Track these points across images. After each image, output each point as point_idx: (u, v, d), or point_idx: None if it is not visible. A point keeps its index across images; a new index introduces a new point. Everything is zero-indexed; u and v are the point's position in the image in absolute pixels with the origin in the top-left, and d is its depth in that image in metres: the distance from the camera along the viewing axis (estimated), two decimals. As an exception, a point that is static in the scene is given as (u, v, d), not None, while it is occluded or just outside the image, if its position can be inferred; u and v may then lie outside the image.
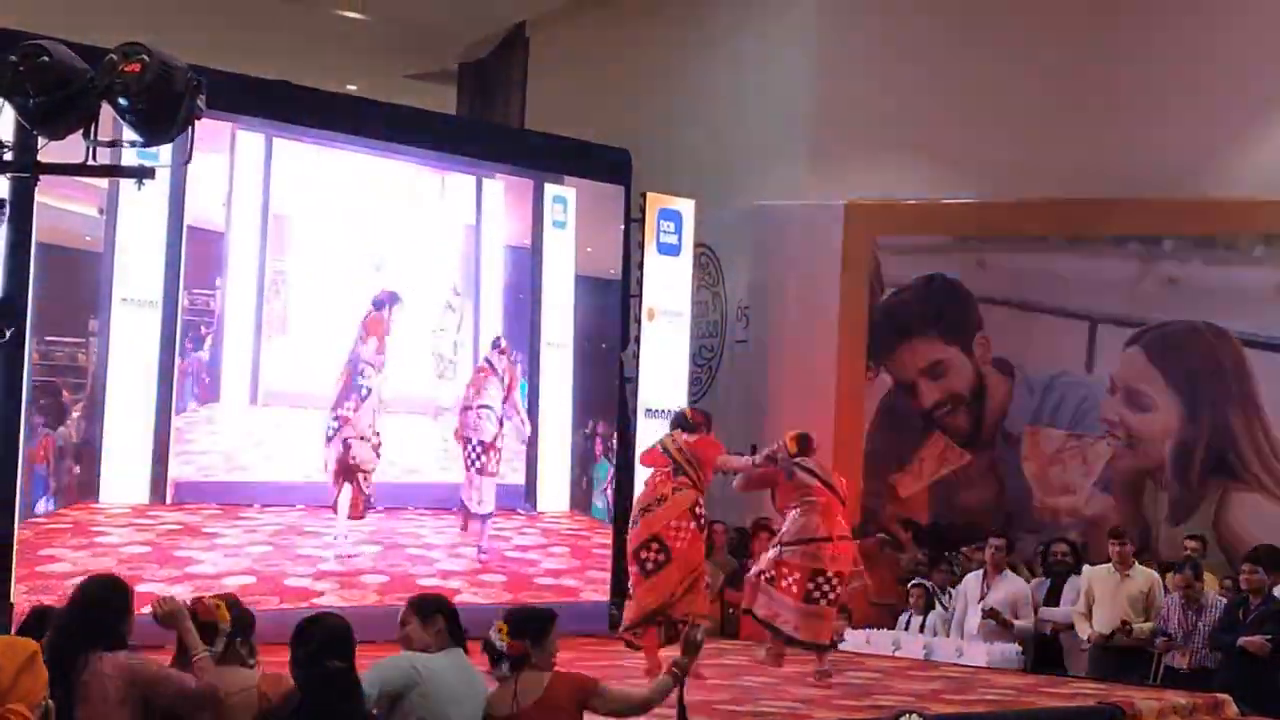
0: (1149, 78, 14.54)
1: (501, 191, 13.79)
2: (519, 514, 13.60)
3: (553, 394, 13.92)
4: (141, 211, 11.37)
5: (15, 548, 10.53)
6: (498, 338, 13.52)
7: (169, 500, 11.61)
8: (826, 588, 10.63)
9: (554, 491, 13.89)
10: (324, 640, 5.58)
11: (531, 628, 6.05)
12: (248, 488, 12.15)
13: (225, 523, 11.87)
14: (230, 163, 12.12)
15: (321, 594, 12.03)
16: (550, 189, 13.97)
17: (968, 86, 15.01)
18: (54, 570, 10.64)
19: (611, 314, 14.30)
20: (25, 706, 5.18)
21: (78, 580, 10.12)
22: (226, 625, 5.81)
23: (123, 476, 11.37)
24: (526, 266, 13.88)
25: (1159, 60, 14.52)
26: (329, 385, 12.46)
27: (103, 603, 5.73)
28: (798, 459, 10.87)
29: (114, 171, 6.29)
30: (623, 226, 14.27)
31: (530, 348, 13.80)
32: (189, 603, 5.91)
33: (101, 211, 11.26)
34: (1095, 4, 14.90)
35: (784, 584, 10.65)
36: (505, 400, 13.36)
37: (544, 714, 5.90)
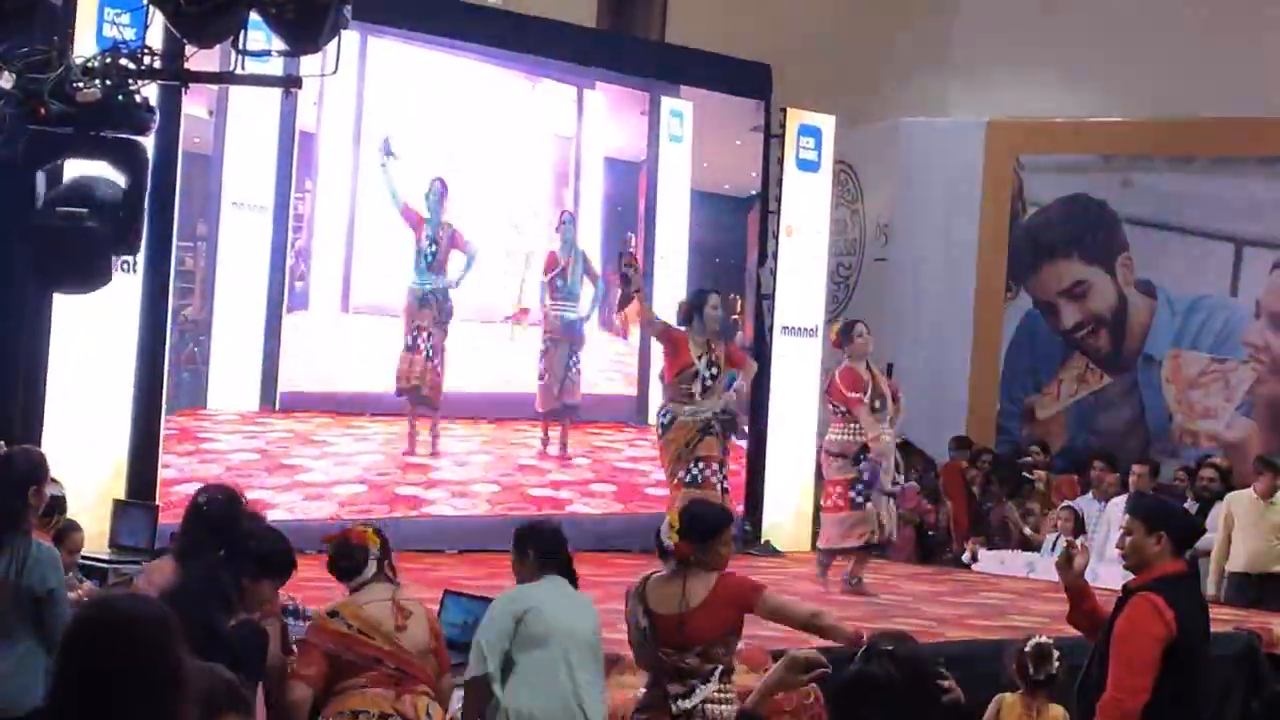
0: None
1: (604, 103, 13.52)
2: (630, 427, 13.49)
3: (661, 307, 13.75)
4: (251, 113, 11.10)
5: (161, 444, 10.55)
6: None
7: (278, 407, 11.44)
8: None
9: (664, 404, 13.79)
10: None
11: (698, 529, 6.01)
12: (358, 398, 11.97)
13: (336, 431, 11.71)
14: (360, 72, 11.82)
15: (433, 503, 11.68)
16: (667, 102, 13.70)
17: (1115, 2, 14.73)
18: (162, 477, 10.51)
19: (731, 229, 14.19)
20: None
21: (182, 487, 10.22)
22: (376, 549, 6.09)
23: (231, 383, 11.22)
24: (631, 180, 13.66)
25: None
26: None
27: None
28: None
29: (261, 81, 6.33)
30: (761, 141, 14.15)
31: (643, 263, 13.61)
32: (342, 531, 6.20)
33: (211, 113, 11.03)
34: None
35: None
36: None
37: (708, 614, 5.91)
